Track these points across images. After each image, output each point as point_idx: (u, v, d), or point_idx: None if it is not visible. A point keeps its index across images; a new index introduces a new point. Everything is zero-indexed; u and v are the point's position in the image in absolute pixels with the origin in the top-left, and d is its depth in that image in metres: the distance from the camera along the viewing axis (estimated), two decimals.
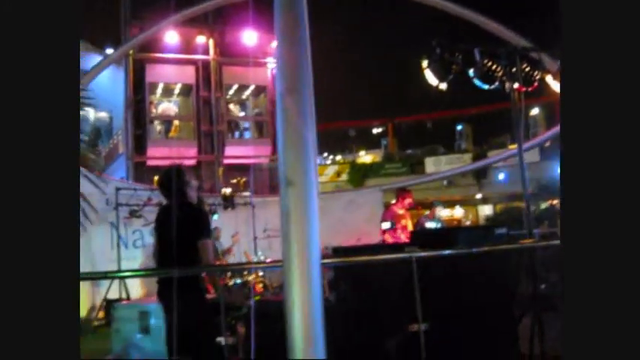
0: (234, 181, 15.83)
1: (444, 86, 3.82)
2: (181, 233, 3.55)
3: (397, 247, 4.74)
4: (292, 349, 2.31)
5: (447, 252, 3.13)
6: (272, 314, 3.21)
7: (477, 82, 3.81)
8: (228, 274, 4.66)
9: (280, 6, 2.48)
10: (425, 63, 3.82)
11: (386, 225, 7.10)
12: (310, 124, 2.44)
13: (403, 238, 6.89)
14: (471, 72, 3.84)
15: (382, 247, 5.06)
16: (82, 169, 2.56)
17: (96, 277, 5.29)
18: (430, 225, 7.87)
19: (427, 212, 8.47)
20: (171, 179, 3.74)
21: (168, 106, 16.31)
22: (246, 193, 12.26)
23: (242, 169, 16.12)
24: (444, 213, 20.77)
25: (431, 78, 3.79)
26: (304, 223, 2.38)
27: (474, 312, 3.27)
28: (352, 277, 3.26)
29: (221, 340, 3.07)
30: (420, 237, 4.35)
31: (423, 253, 3.09)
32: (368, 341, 3.14)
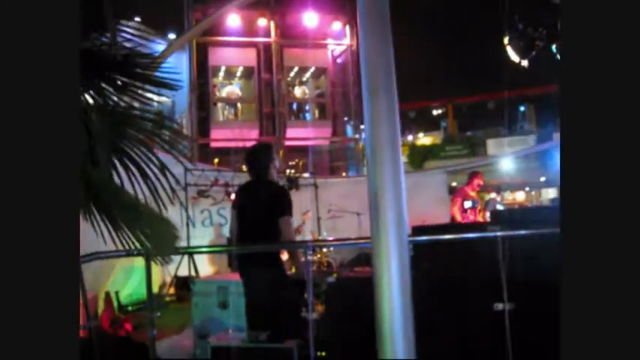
0: (293, 162, 16.01)
1: (525, 63, 3.71)
2: (264, 210, 3.64)
3: (479, 225, 4.68)
4: (381, 324, 2.35)
5: (535, 231, 3.07)
6: (353, 290, 3.26)
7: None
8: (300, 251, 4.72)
9: None
10: (506, 39, 3.72)
11: (468, 204, 7.08)
12: (394, 104, 2.45)
13: (472, 219, 6.88)
14: (554, 47, 3.71)
15: (464, 227, 5.01)
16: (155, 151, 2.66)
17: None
18: (499, 207, 7.76)
19: (493, 195, 8.35)
20: (260, 155, 3.83)
21: (233, 90, 16.56)
22: (306, 175, 12.39)
23: (301, 150, 16.24)
24: (507, 196, 20.31)
25: (512, 55, 3.69)
26: (393, 201, 2.40)
27: (556, 293, 3.20)
28: (434, 256, 3.25)
29: (306, 315, 3.13)
30: (500, 217, 4.27)
31: (510, 232, 3.04)
32: (451, 319, 3.14)
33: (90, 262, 3.10)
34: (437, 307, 3.06)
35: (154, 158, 2.54)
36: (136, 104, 2.80)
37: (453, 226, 4.84)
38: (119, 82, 2.56)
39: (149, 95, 2.81)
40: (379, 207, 2.38)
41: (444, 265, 3.28)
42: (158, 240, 2.36)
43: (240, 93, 16.73)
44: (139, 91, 2.75)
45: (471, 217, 6.93)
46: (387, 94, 2.45)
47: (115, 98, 2.58)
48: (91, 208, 2.41)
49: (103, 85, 2.52)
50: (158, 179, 2.58)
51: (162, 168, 2.57)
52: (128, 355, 3.76)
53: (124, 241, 2.41)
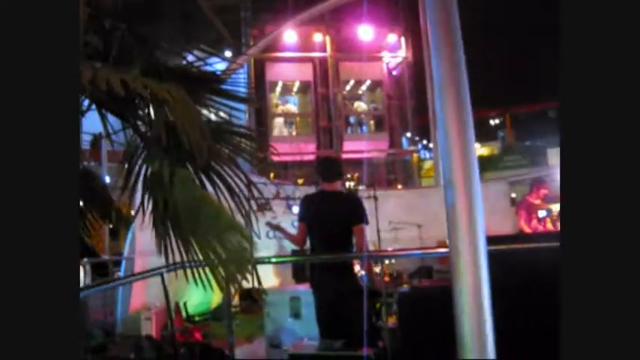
0: (349, 175, 16.08)
1: None
2: (340, 219, 3.74)
3: (554, 235, 4.60)
4: (461, 335, 2.37)
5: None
6: (427, 300, 3.28)
7: None
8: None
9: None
10: None
11: (542, 213, 6.93)
12: (468, 116, 2.47)
13: (541, 229, 6.72)
14: None
15: (539, 236, 4.95)
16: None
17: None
18: None
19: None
20: (333, 167, 3.96)
21: (288, 107, 16.88)
22: (362, 187, 12.43)
23: (358, 163, 16.29)
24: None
25: None
26: (469, 215, 2.42)
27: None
28: (504, 266, 3.23)
29: (379, 323, 3.17)
30: None
31: None
32: (529, 329, 3.11)
33: (175, 271, 3.21)
34: (514, 317, 3.04)
35: (239, 173, 2.64)
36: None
37: (527, 236, 4.78)
38: (207, 99, 2.70)
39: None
40: (456, 213, 2.41)
41: (518, 276, 3.25)
42: (235, 253, 2.40)
43: (295, 109, 16.98)
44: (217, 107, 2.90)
45: (540, 228, 6.77)
46: (457, 96, 2.46)
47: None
48: (164, 220, 2.48)
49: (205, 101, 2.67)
50: (243, 194, 2.67)
51: (249, 183, 2.67)
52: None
53: (195, 254, 2.43)
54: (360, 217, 3.79)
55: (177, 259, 2.49)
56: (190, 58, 2.88)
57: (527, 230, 6.88)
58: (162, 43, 2.60)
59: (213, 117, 2.98)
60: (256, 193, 2.96)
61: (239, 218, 2.66)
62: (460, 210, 2.42)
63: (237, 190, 2.63)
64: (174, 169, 2.26)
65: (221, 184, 2.65)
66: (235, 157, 2.72)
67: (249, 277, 2.33)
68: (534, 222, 6.90)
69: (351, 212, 3.81)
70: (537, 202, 7.16)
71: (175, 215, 2.30)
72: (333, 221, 3.79)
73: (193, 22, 2.70)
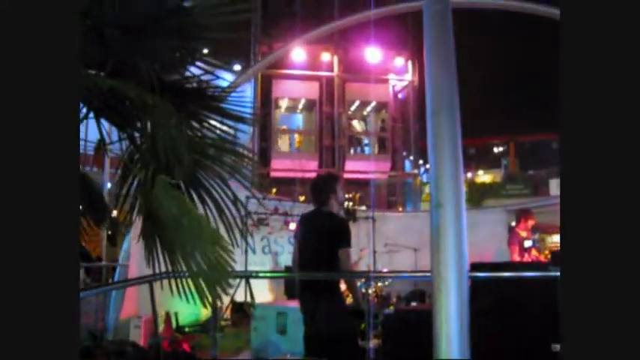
0: (349, 195, 16.12)
1: None
2: (324, 240, 3.75)
3: (540, 265, 4.63)
4: (438, 356, 2.40)
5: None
6: (410, 323, 3.32)
7: None
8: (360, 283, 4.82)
9: (429, 25, 2.58)
10: None
11: (528, 243, 6.90)
12: (458, 144, 2.51)
13: (532, 258, 6.68)
14: None
15: (524, 265, 4.97)
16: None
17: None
18: None
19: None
20: (323, 186, 3.96)
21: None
22: (363, 208, 12.45)
23: (359, 184, 16.35)
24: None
25: None
26: (454, 240, 2.46)
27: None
28: (492, 293, 3.27)
29: (365, 344, 3.19)
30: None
31: None
32: (508, 355, 3.14)
33: (160, 280, 3.22)
34: (494, 344, 3.07)
35: (226, 188, 2.66)
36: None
37: (512, 265, 4.80)
38: (199, 115, 2.75)
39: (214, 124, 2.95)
40: (440, 238, 2.45)
41: (502, 303, 3.29)
42: (215, 266, 2.40)
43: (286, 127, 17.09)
44: (213, 123, 2.93)
45: (526, 258, 6.71)
46: (449, 119, 2.50)
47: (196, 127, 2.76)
48: (150, 229, 2.50)
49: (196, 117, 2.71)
50: (229, 209, 2.69)
51: (235, 200, 2.70)
52: None
53: (179, 264, 2.44)
54: (343, 241, 3.77)
55: (164, 268, 2.51)
56: (192, 73, 2.93)
57: (517, 258, 6.82)
58: (159, 57, 2.65)
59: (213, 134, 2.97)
60: (245, 209, 2.98)
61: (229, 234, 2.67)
62: (445, 233, 2.46)
63: (224, 206, 2.65)
64: (156, 177, 2.29)
65: (209, 201, 2.68)
66: (225, 174, 2.74)
67: (241, 290, 2.34)
68: (525, 255, 6.82)
69: (334, 235, 3.78)
70: (524, 233, 7.11)
71: (160, 225, 2.33)
72: (316, 242, 3.79)
73: (192, 38, 2.75)
